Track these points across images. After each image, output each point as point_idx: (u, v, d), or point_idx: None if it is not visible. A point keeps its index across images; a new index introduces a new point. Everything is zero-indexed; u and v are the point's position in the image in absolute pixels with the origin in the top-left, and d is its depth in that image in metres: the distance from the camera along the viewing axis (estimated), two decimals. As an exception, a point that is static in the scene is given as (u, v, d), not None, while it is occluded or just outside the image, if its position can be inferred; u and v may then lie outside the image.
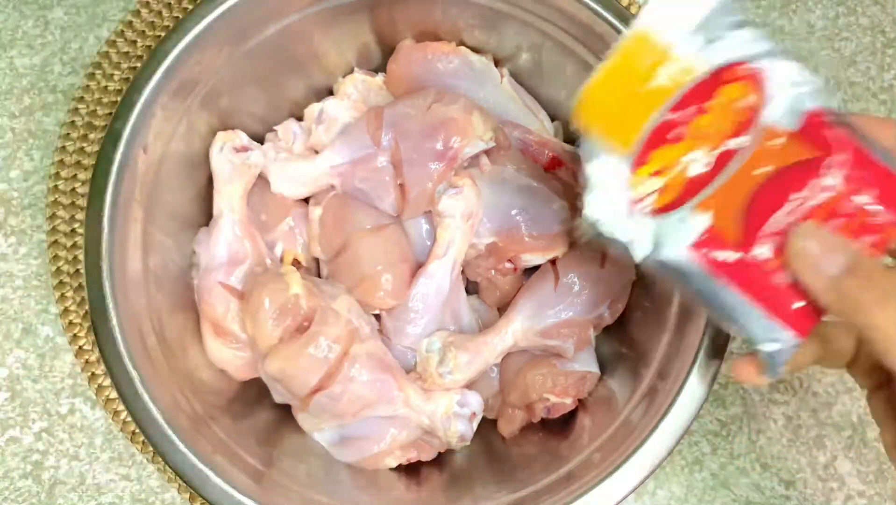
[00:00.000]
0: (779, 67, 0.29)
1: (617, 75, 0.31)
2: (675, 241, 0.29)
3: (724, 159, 0.29)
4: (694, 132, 0.30)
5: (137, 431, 0.43)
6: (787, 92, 0.29)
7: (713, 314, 0.30)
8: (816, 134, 0.28)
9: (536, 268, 0.44)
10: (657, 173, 0.30)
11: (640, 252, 0.30)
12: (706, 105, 0.29)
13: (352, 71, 0.47)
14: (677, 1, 0.30)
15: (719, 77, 0.29)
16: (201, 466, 0.35)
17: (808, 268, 0.27)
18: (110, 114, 0.48)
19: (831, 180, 0.28)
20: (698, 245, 0.29)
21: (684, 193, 0.30)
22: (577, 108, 0.31)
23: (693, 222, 0.29)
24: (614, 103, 0.31)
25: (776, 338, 0.28)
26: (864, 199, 0.28)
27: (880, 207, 0.27)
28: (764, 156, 0.28)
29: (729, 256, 0.29)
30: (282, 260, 0.45)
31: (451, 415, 0.41)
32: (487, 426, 0.44)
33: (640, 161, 0.30)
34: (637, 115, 0.30)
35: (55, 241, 0.48)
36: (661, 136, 0.30)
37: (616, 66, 0.31)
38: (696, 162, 0.29)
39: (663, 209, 0.30)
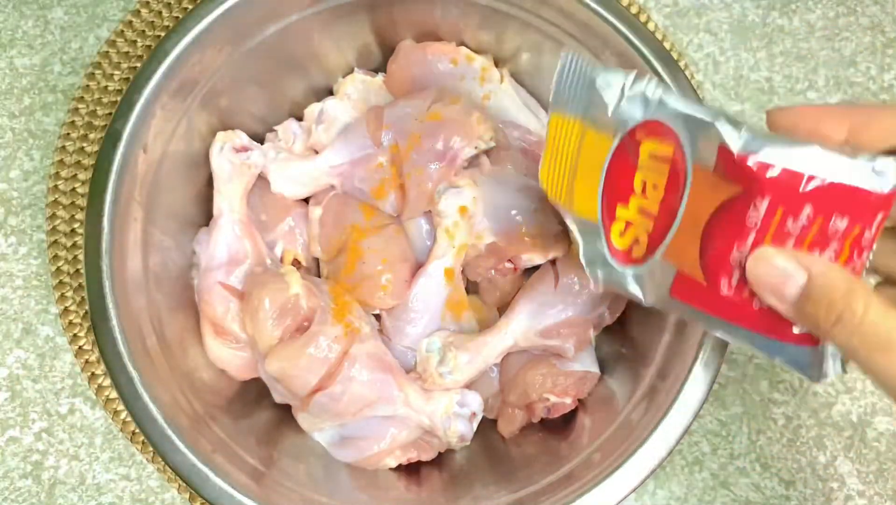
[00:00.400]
0: (683, 115, 0.29)
1: (555, 158, 0.34)
2: (657, 287, 0.31)
3: (668, 208, 0.30)
4: (636, 190, 0.31)
5: (137, 430, 0.43)
6: (697, 134, 0.28)
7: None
8: (733, 166, 0.27)
9: (536, 268, 0.44)
10: (628, 226, 0.32)
11: (635, 296, 0.33)
12: (637, 164, 0.31)
13: (352, 71, 0.47)
14: (576, 82, 0.33)
15: (635, 137, 0.31)
16: (201, 466, 0.35)
17: (770, 295, 0.28)
18: (110, 114, 0.48)
19: (763, 207, 0.27)
20: (675, 290, 0.30)
21: (650, 244, 0.31)
22: (542, 184, 0.35)
23: (665, 270, 0.30)
24: (564, 182, 0.34)
25: (790, 354, 0.29)
26: (804, 214, 0.27)
27: (819, 217, 0.27)
28: (700, 198, 0.29)
29: (704, 295, 0.29)
30: (282, 260, 0.45)
31: (451, 415, 0.41)
32: (487, 426, 0.44)
33: (608, 220, 0.33)
34: (586, 187, 0.33)
35: (55, 241, 0.48)
36: (614, 196, 0.32)
37: (550, 150, 0.35)
38: (649, 215, 0.31)
39: (639, 260, 0.32)
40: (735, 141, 0.27)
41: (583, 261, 0.34)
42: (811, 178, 0.26)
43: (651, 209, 0.31)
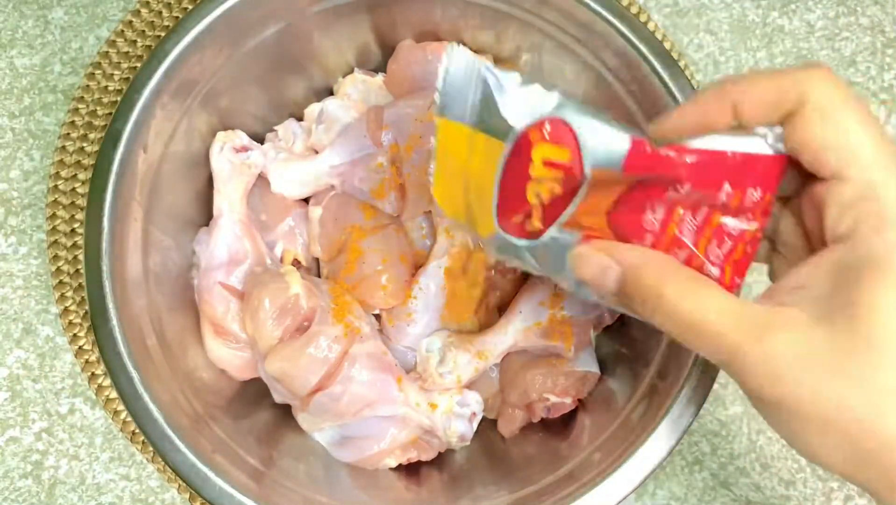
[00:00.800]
0: (578, 119, 0.28)
1: (447, 170, 0.32)
2: (557, 257, 0.30)
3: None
4: (532, 203, 0.30)
5: (137, 430, 0.43)
6: (595, 141, 0.27)
7: None
8: (644, 158, 0.27)
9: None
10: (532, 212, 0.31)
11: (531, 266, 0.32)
12: (529, 173, 0.29)
13: (352, 71, 0.47)
14: (464, 81, 0.30)
15: (528, 139, 0.29)
16: (201, 466, 0.35)
17: (595, 291, 0.28)
18: (110, 114, 0.48)
19: (685, 189, 0.28)
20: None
21: (548, 217, 0.30)
22: (438, 203, 0.33)
23: (567, 238, 0.30)
24: (460, 198, 0.32)
25: None
26: (724, 190, 0.27)
27: (738, 191, 0.27)
28: (601, 193, 0.28)
29: None
30: (282, 260, 0.45)
31: (451, 415, 0.41)
32: (487, 426, 0.44)
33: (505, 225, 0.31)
34: (483, 204, 0.31)
35: (55, 241, 0.48)
36: (510, 212, 0.30)
37: (441, 161, 0.32)
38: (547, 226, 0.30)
39: (537, 233, 0.30)
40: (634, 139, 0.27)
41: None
42: (722, 153, 0.27)
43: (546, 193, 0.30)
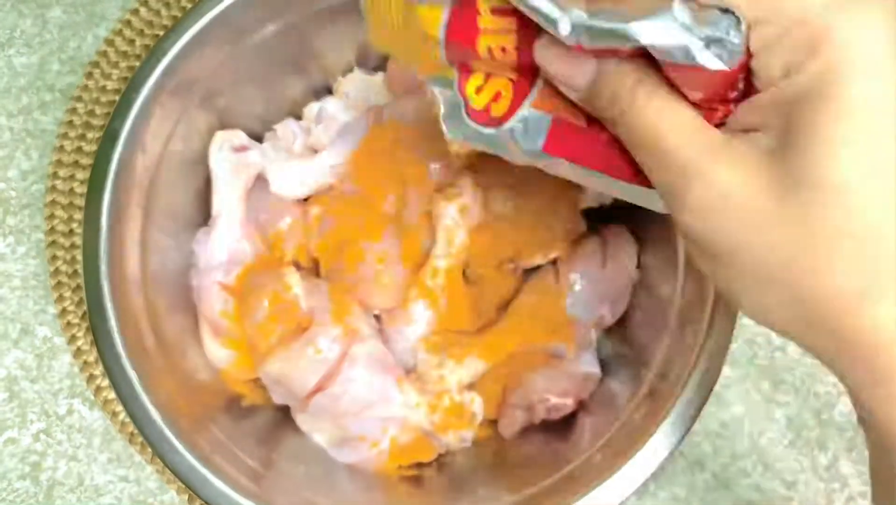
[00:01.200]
0: None
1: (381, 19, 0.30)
2: (527, 142, 0.28)
3: (526, 63, 0.27)
4: (482, 56, 0.28)
5: (136, 432, 0.43)
6: None
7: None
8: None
9: (537, 268, 0.44)
10: (487, 79, 0.29)
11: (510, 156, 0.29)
12: (478, 26, 0.27)
13: (351, 70, 0.47)
14: None
15: None
16: (200, 467, 0.35)
17: (560, 83, 0.26)
18: (108, 113, 0.48)
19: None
20: (549, 143, 0.28)
21: (514, 99, 0.28)
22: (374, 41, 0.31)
23: (535, 123, 0.28)
24: (399, 37, 0.30)
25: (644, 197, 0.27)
26: None
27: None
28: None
29: (582, 142, 0.27)
30: (281, 260, 0.45)
31: (452, 416, 0.41)
32: (488, 427, 0.44)
33: (463, 78, 0.29)
34: (427, 54, 0.29)
35: (53, 241, 0.47)
36: (461, 50, 0.28)
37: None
38: (504, 74, 0.28)
39: (503, 118, 0.29)
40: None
41: (442, 121, 0.30)
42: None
43: (505, 70, 0.28)
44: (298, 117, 0.46)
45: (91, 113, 0.49)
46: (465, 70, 0.29)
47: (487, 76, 0.29)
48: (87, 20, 0.51)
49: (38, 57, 0.51)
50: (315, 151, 0.44)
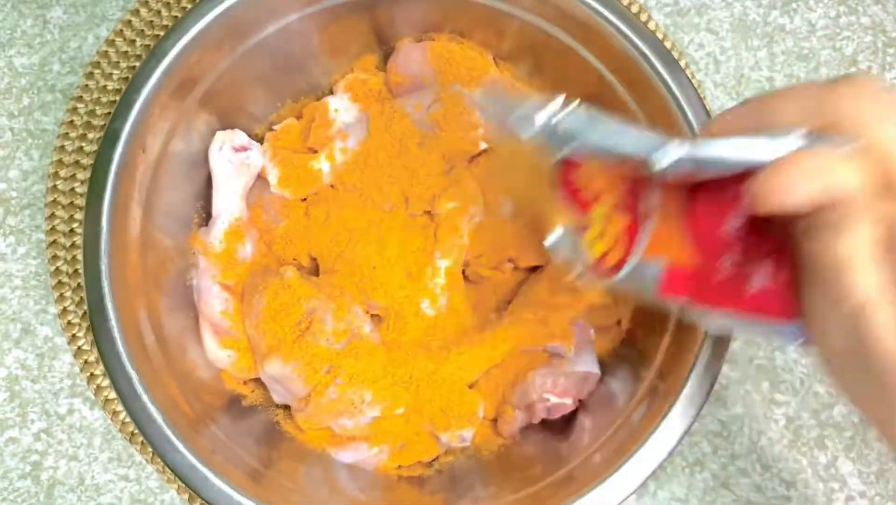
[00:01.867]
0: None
1: (518, 171, 0.34)
2: (642, 289, 0.30)
3: (633, 207, 0.29)
4: (593, 196, 0.30)
5: (136, 431, 0.43)
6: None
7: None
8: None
9: (537, 268, 0.44)
10: (600, 236, 0.31)
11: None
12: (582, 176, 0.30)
13: (352, 71, 0.47)
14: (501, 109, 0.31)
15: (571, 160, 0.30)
16: (200, 466, 0.35)
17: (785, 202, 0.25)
18: (109, 113, 0.48)
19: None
20: (664, 286, 0.30)
21: (627, 246, 0.30)
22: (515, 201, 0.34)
23: (649, 269, 0.30)
24: (532, 191, 0.33)
25: (785, 333, 0.28)
26: None
27: None
28: (671, 186, 0.28)
29: (696, 283, 0.29)
30: (281, 260, 0.45)
31: (452, 415, 0.41)
32: (488, 427, 0.44)
33: (581, 225, 0.32)
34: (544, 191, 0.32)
35: (54, 241, 0.47)
36: (578, 202, 0.31)
37: (513, 163, 0.34)
38: (614, 220, 0.30)
39: (618, 267, 0.31)
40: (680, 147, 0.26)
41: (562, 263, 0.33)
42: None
43: (615, 213, 0.30)
44: (298, 117, 0.46)
45: (92, 113, 0.49)
46: (583, 222, 0.31)
47: (600, 234, 0.31)
48: (87, 21, 0.51)
49: (39, 57, 0.51)
50: (315, 151, 0.44)
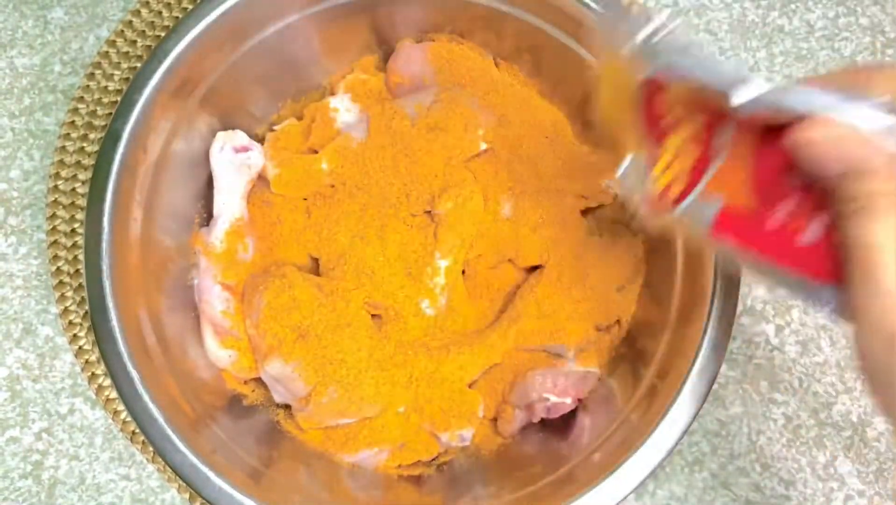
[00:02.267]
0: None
1: (610, 88, 0.33)
2: (696, 226, 0.30)
3: (707, 141, 0.29)
4: (672, 124, 0.31)
5: (137, 430, 0.43)
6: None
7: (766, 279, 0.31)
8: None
9: (537, 268, 0.44)
10: (668, 167, 0.31)
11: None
12: (666, 100, 0.30)
13: (352, 71, 0.47)
14: (619, 22, 0.32)
15: (657, 81, 0.30)
16: (201, 465, 0.35)
17: (818, 165, 0.25)
18: (110, 114, 0.48)
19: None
20: (717, 227, 0.29)
21: (691, 181, 0.30)
22: (600, 120, 0.34)
23: (706, 207, 0.30)
24: (617, 112, 0.33)
25: (823, 295, 0.28)
26: None
27: None
28: (746, 126, 0.28)
29: (748, 229, 0.29)
30: (282, 260, 0.45)
31: (452, 415, 0.41)
32: (487, 426, 0.44)
33: (653, 156, 0.32)
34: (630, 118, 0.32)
35: (55, 241, 0.47)
36: (653, 135, 0.31)
37: (607, 79, 0.34)
38: (687, 151, 0.30)
39: (678, 200, 0.31)
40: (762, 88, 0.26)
41: (626, 195, 0.34)
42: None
43: (687, 145, 0.31)
44: (299, 118, 0.47)
45: (93, 114, 0.49)
46: (653, 155, 0.32)
47: (668, 165, 0.31)
48: (88, 21, 0.51)
49: (40, 58, 0.51)
50: (315, 152, 0.45)
